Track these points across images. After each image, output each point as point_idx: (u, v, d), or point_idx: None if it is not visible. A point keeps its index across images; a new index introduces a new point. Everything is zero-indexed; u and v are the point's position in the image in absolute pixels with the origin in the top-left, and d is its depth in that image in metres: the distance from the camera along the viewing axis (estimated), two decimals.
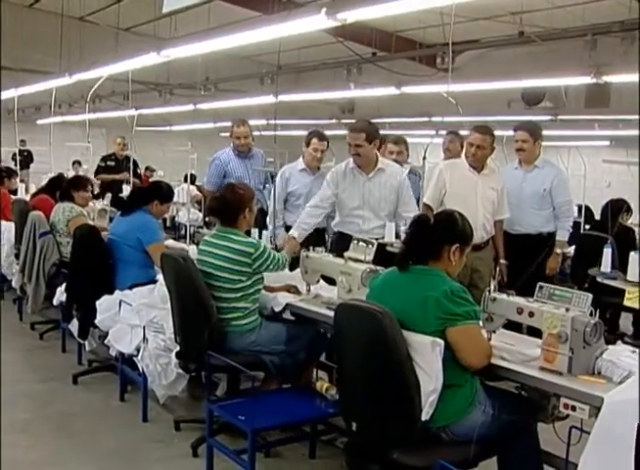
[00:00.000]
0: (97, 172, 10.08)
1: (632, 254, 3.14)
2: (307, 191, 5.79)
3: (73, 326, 5.35)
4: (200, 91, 11.83)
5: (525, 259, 5.51)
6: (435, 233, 2.99)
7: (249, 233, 4.30)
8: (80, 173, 8.65)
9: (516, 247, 5.51)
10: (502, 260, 5.37)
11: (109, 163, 10.15)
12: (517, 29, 7.54)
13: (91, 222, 6.14)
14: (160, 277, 4.55)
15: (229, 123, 6.54)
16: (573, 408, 2.68)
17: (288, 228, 5.53)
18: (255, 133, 15.25)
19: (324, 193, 5.05)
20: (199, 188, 10.26)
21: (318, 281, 4.17)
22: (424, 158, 4.24)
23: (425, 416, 2.74)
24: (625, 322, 6.78)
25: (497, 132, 5.38)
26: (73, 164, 12.92)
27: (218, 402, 3.82)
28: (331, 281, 4.10)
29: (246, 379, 4.22)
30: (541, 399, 3.01)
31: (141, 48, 6.23)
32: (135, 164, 9.74)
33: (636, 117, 8.55)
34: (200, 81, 11.86)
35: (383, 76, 9.27)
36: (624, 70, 5.90)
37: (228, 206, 4.04)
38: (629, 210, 6.93)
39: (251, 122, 13.33)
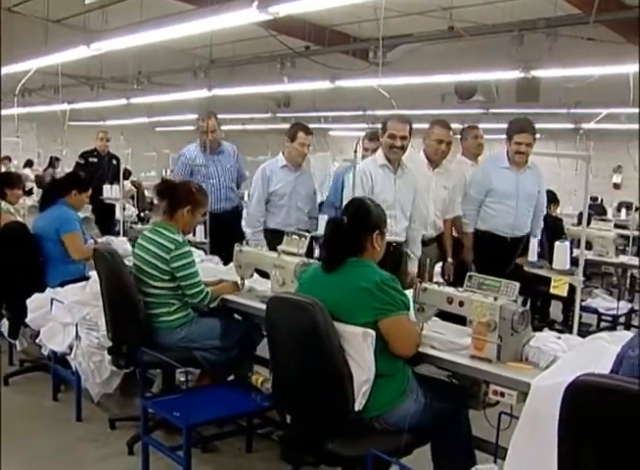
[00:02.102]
0: (76, 171, 8.99)
1: (557, 243, 3.23)
2: (291, 190, 5.47)
3: (3, 326, 5.21)
4: (132, 85, 11.64)
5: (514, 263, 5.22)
6: (354, 227, 2.97)
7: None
8: (12, 170, 8.40)
9: (512, 251, 5.25)
10: (450, 259, 5.32)
11: (90, 159, 9.33)
12: (447, 24, 7.66)
13: (21, 219, 5.99)
14: (92, 273, 4.48)
15: (164, 118, 6.42)
16: (502, 394, 2.75)
17: (269, 232, 5.37)
18: (190, 127, 15.07)
19: (356, 194, 4.31)
20: (133, 183, 10.11)
21: (252, 275, 4.15)
22: (355, 151, 4.26)
23: (358, 407, 2.77)
24: (555, 310, 6.96)
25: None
26: (2, 159, 12.54)
27: (153, 399, 3.78)
28: (265, 275, 4.09)
29: (182, 375, 4.20)
30: (472, 386, 3.08)
31: (71, 41, 6.10)
32: (118, 160, 9.46)
33: (563, 110, 8.83)
34: (132, 75, 11.67)
35: (317, 70, 9.28)
36: (550, 66, 6.06)
37: (174, 193, 4.02)
38: (557, 200, 7.18)
39: (186, 117, 13.20)
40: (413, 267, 4.86)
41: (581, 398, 1.95)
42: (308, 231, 5.13)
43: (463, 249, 5.41)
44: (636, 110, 7.82)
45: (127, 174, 9.94)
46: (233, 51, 12.30)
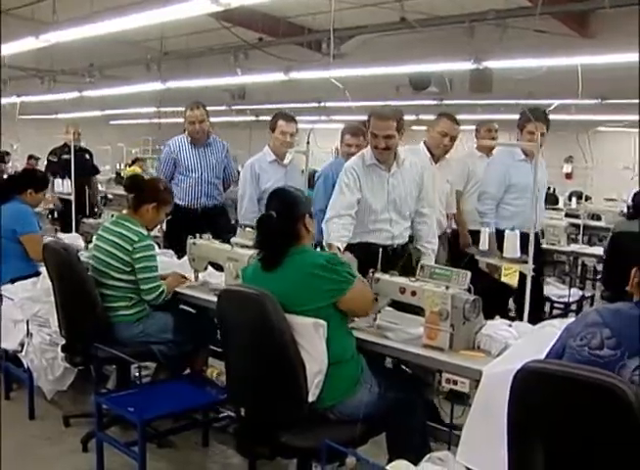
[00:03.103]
0: (48, 169, 8.58)
1: (507, 232, 3.27)
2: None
3: None
4: (84, 78, 11.46)
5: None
6: (285, 219, 2.95)
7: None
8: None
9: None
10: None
11: (63, 156, 8.62)
12: (399, 16, 7.70)
13: None
14: (43, 270, 4.41)
15: (118, 111, 6.28)
16: (455, 382, 2.78)
17: None
18: (145, 121, 14.86)
19: (348, 200, 4.02)
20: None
21: (206, 268, 4.13)
22: (307, 142, 4.24)
23: (311, 397, 2.78)
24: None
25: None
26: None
27: (107, 395, 3.74)
28: (219, 268, 4.07)
29: (138, 370, 4.17)
30: (426, 375, 3.12)
31: (18, 32, 5.98)
32: (91, 155, 9.20)
33: (516, 101, 8.93)
34: (84, 67, 11.49)
35: (271, 62, 9.25)
36: (501, 57, 6.12)
37: (141, 189, 4.02)
38: None
39: (140, 110, 13.03)
40: (430, 262, 4.28)
41: (529, 383, 1.99)
42: None
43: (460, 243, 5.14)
44: (584, 101, 7.98)
45: (95, 170, 9.81)
46: (187, 43, 12.19)
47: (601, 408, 1.87)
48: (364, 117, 4.99)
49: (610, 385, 1.84)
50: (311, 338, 2.75)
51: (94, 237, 4.12)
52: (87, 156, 8.99)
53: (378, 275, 3.11)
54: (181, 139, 5.73)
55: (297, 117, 5.26)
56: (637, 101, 6.78)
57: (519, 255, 3.19)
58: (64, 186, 6.94)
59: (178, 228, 5.02)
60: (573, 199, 9.54)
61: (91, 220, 6.03)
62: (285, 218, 2.94)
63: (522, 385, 2.01)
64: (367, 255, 3.67)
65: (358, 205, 4.03)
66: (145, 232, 3.90)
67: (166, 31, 9.24)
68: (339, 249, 3.68)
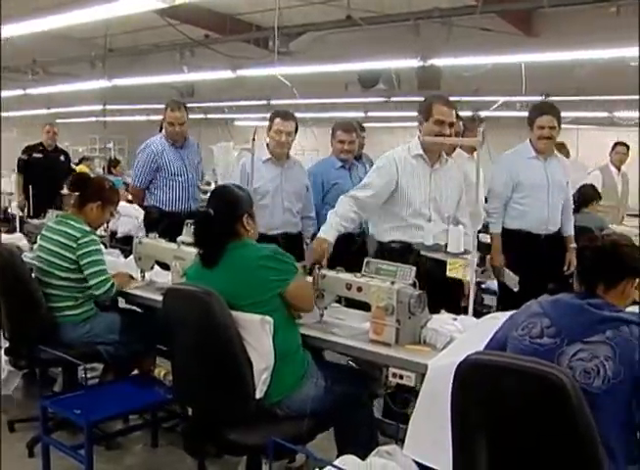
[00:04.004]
0: (19, 168, 8.33)
1: (451, 227, 3.31)
2: (275, 187, 4.77)
3: None
4: (27, 75, 11.22)
5: (551, 263, 4.78)
6: (222, 217, 2.95)
7: None
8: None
9: (545, 250, 4.76)
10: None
11: (35, 155, 8.31)
12: (343, 14, 7.75)
13: None
14: None
15: (64, 109, 6.09)
16: (401, 377, 2.80)
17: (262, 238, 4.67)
18: (92, 119, 14.61)
19: (378, 182, 3.83)
20: None
21: (152, 267, 4.09)
22: (252, 139, 4.23)
23: (259, 394, 2.77)
24: None
25: (337, 114, 5.28)
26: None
27: (53, 398, 3.68)
28: (166, 266, 4.03)
29: (89, 370, 4.11)
30: (373, 370, 3.13)
31: None
32: (68, 156, 8.93)
33: (461, 98, 9.04)
34: (27, 65, 11.25)
35: (219, 59, 9.20)
36: (446, 55, 6.20)
37: (86, 187, 3.97)
38: None
39: (86, 108, 12.79)
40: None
41: (471, 375, 2.02)
42: (300, 234, 4.94)
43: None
44: (528, 98, 8.13)
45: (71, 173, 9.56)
46: (134, 41, 12.04)
47: (539, 396, 1.92)
48: (313, 114, 4.99)
49: (547, 373, 1.89)
50: (258, 334, 2.75)
51: (38, 237, 4.05)
52: (63, 157, 8.67)
53: (324, 271, 3.12)
54: (160, 141, 5.43)
55: (245, 115, 5.23)
56: (577, 98, 6.95)
57: (462, 249, 3.23)
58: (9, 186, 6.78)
59: (168, 235, 4.31)
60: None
61: (35, 221, 5.92)
62: (222, 216, 2.94)
63: (464, 376, 2.04)
64: (397, 253, 3.64)
65: (392, 196, 3.86)
66: (88, 229, 3.84)
67: (112, 28, 9.09)
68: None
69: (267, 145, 4.82)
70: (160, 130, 5.53)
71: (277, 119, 4.74)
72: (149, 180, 5.39)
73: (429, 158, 3.91)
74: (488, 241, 4.92)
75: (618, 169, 7.88)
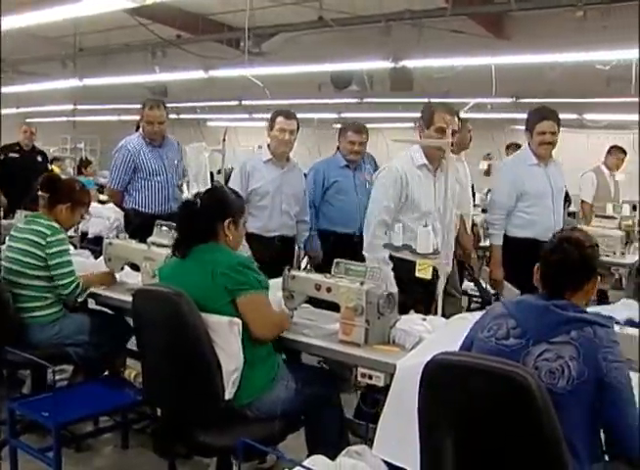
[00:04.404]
0: None
1: (420, 228, 3.34)
2: (276, 188, 4.64)
3: None
4: None
5: None
6: (206, 213, 2.98)
7: None
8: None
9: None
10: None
11: (11, 154, 8.09)
12: (316, 15, 7.77)
13: None
14: None
15: (34, 109, 5.96)
16: (370, 377, 2.82)
17: (247, 237, 4.31)
18: (63, 119, 14.47)
19: (394, 199, 3.77)
20: None
21: (123, 268, 4.07)
22: (223, 140, 4.23)
23: (228, 396, 2.77)
24: None
25: (310, 115, 5.22)
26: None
27: (21, 400, 3.64)
28: (136, 267, 4.01)
29: (59, 372, 4.08)
30: (343, 370, 3.15)
31: None
32: (45, 157, 8.70)
33: (433, 99, 9.09)
34: None
35: (192, 60, 9.17)
36: (417, 56, 6.24)
37: (56, 188, 3.93)
38: None
39: (56, 108, 12.65)
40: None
41: (437, 374, 2.04)
42: (294, 238, 4.87)
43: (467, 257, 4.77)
44: (499, 100, 8.20)
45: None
46: (106, 40, 11.95)
47: (505, 396, 1.95)
48: None
49: (513, 374, 1.92)
50: (226, 336, 2.75)
51: (7, 238, 4.00)
52: (40, 158, 8.49)
53: (293, 272, 3.13)
54: (137, 140, 5.25)
55: (217, 115, 5.20)
56: (547, 100, 6.99)
57: (431, 250, 3.25)
58: None
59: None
60: (489, 195, 9.73)
61: (4, 221, 5.84)
62: (206, 211, 2.97)
63: (430, 376, 2.07)
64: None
65: (403, 206, 3.79)
66: (57, 226, 3.81)
67: (82, 27, 9.03)
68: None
69: (268, 145, 4.73)
70: (137, 130, 5.41)
71: (279, 118, 4.64)
72: (126, 181, 5.23)
73: (432, 166, 3.85)
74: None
75: (610, 171, 7.83)
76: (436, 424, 2.09)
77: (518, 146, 6.95)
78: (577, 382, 2.09)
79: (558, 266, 2.30)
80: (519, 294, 4.19)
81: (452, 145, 3.72)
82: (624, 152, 7.89)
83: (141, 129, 5.27)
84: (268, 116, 4.87)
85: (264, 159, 4.68)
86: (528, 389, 1.90)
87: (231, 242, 3.03)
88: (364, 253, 3.80)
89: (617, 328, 2.46)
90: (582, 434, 2.13)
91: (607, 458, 2.27)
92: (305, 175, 5.17)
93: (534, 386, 1.91)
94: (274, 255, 4.31)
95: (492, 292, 4.79)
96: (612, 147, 7.94)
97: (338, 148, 5.41)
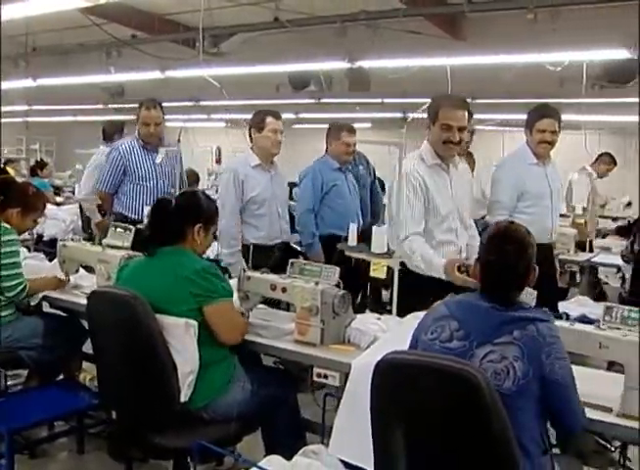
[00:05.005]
0: None
1: (375, 227, 3.36)
2: (270, 194, 4.48)
3: None
4: None
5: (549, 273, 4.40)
6: (178, 214, 3.00)
7: None
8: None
9: (546, 259, 4.30)
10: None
11: None
12: (273, 15, 7.78)
13: None
14: None
15: None
16: (325, 377, 2.84)
17: (248, 248, 4.40)
18: (18, 120, 14.21)
19: (417, 211, 3.47)
20: None
21: (77, 271, 4.03)
22: (178, 140, 4.21)
23: (184, 398, 2.77)
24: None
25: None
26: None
27: None
28: (91, 270, 3.97)
29: (13, 377, 4.02)
30: (300, 371, 3.16)
31: None
32: None
33: (392, 100, 9.17)
34: None
35: (148, 60, 9.09)
36: (373, 57, 6.27)
37: (7, 191, 3.86)
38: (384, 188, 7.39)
39: (10, 108, 12.42)
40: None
41: (388, 373, 2.06)
42: (289, 244, 4.73)
43: None
44: None
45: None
46: (60, 39, 11.78)
47: (454, 395, 1.97)
48: (245, 116, 4.88)
49: (462, 372, 1.94)
50: (182, 338, 2.75)
51: None
52: None
53: (248, 273, 3.13)
54: (131, 143, 5.07)
55: (174, 116, 5.13)
56: (502, 101, 7.11)
57: (386, 250, 3.28)
58: None
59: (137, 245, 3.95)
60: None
61: None
62: (179, 212, 2.99)
63: (381, 375, 2.09)
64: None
65: (427, 214, 3.52)
66: (9, 227, 3.74)
67: (35, 26, 8.89)
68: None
69: (252, 149, 4.53)
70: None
71: (270, 119, 4.45)
72: (116, 184, 5.05)
73: (446, 164, 3.63)
74: None
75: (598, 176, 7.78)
76: (388, 423, 2.11)
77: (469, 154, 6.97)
78: (523, 382, 2.11)
79: (497, 268, 2.30)
80: (535, 294, 4.13)
81: (459, 143, 3.52)
82: (615, 162, 7.76)
83: (136, 132, 5.11)
84: (226, 116, 4.84)
85: (253, 164, 4.48)
86: (478, 387, 1.93)
87: (198, 247, 3.03)
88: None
89: (566, 324, 2.51)
90: (531, 431, 2.16)
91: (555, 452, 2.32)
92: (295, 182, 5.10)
93: (483, 384, 1.94)
94: (277, 263, 4.04)
95: None
96: (604, 154, 7.80)
97: (326, 149, 5.31)
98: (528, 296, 4.17)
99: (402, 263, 3.45)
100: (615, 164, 7.79)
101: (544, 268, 4.00)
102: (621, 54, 5.18)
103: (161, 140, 5.10)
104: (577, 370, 2.82)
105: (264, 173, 4.50)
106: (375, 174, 6.03)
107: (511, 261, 2.27)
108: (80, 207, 7.61)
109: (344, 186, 5.02)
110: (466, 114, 3.53)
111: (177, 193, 5.03)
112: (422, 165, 3.54)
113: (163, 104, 5.24)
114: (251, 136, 4.52)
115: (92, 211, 6.22)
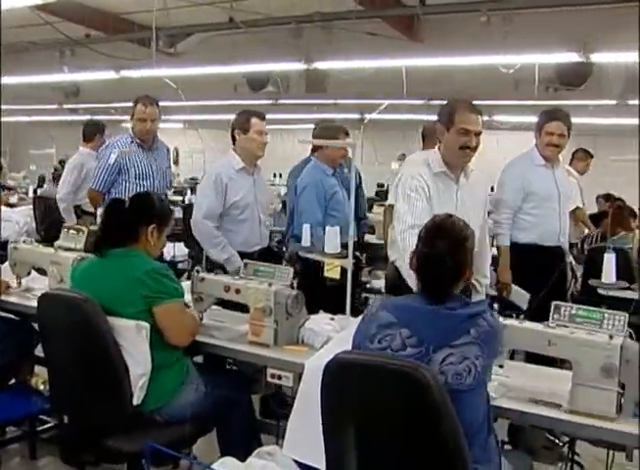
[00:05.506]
0: None
1: (328, 227, 3.37)
2: (253, 199, 4.28)
3: None
4: None
5: (558, 277, 4.37)
6: (132, 214, 2.99)
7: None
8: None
9: (555, 262, 4.39)
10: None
11: None
12: (229, 15, 7.77)
13: None
14: None
15: None
16: (279, 377, 2.85)
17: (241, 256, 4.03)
18: None
19: (423, 206, 3.30)
20: None
21: (29, 273, 3.97)
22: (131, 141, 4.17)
23: (136, 401, 2.75)
24: None
25: (226, 116, 5.00)
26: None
27: None
28: (43, 272, 3.92)
29: None
30: (254, 372, 3.16)
31: None
32: None
33: (348, 101, 9.22)
34: None
35: (103, 59, 9.00)
36: (328, 58, 6.31)
37: None
38: None
39: None
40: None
41: (337, 374, 2.08)
42: (269, 247, 4.52)
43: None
44: (412, 101, 8.36)
45: None
46: (16, 37, 11.58)
47: (404, 393, 1.99)
48: (203, 117, 4.80)
49: (410, 369, 1.96)
50: (134, 340, 2.73)
51: None
52: None
53: (202, 274, 3.13)
54: (126, 140, 4.88)
55: (127, 117, 5.04)
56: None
57: (339, 250, 3.29)
58: None
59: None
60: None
61: None
62: (133, 212, 2.98)
63: (331, 376, 2.10)
64: None
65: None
66: None
67: None
68: None
69: (234, 151, 4.31)
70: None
71: (255, 120, 4.25)
72: (110, 183, 4.84)
73: (455, 172, 3.46)
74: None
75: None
76: (339, 423, 2.12)
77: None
78: (481, 372, 2.15)
79: (428, 261, 2.29)
80: (528, 297, 4.10)
81: (476, 149, 3.38)
82: (591, 155, 7.61)
83: (131, 129, 4.94)
84: (184, 117, 4.80)
85: (237, 167, 4.25)
86: (427, 387, 1.94)
87: (151, 249, 3.01)
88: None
89: (516, 322, 2.55)
90: (481, 423, 2.19)
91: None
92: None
93: (433, 384, 1.96)
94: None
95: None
96: (577, 150, 7.61)
97: (312, 152, 5.07)
98: (520, 297, 4.28)
99: (395, 276, 3.38)
100: (591, 156, 7.76)
101: (551, 272, 4.07)
102: (571, 57, 5.29)
103: (154, 140, 4.96)
104: (527, 368, 2.91)
105: (248, 177, 4.31)
106: (360, 179, 5.88)
107: (440, 255, 2.27)
108: (34, 208, 7.50)
109: (341, 192, 4.76)
110: (480, 118, 3.40)
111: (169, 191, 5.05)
112: (427, 171, 3.40)
113: (119, 104, 5.21)
114: (234, 138, 4.33)
115: (68, 212, 6.14)
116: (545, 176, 4.41)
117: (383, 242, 6.78)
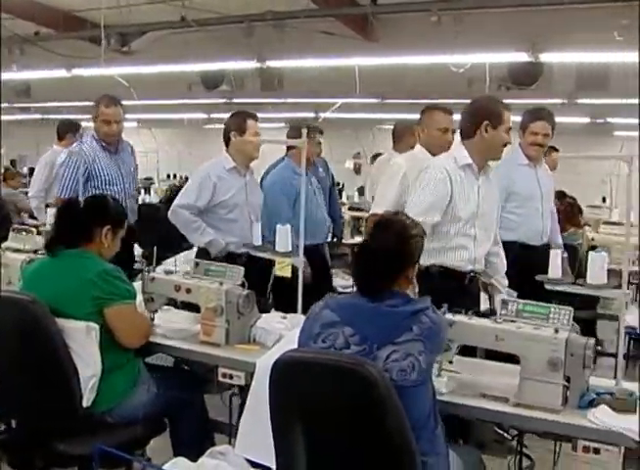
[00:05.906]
0: None
1: (278, 226, 3.37)
2: (244, 199, 4.24)
3: None
4: None
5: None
6: (85, 215, 2.97)
7: None
8: None
9: (540, 261, 4.10)
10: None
11: None
12: (181, 14, 7.72)
13: None
14: None
15: None
16: (231, 377, 2.85)
17: (228, 258, 3.96)
18: None
19: (437, 202, 3.34)
20: None
21: None
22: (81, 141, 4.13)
23: (86, 403, 2.72)
24: None
25: (180, 115, 5.01)
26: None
27: None
28: None
29: None
30: (205, 371, 3.15)
31: None
32: None
33: (302, 100, 9.24)
34: None
35: (54, 58, 8.86)
36: (281, 57, 6.32)
37: None
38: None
39: None
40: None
41: (284, 372, 2.09)
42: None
43: None
44: (366, 100, 8.41)
45: None
46: None
47: (350, 390, 2.01)
48: (157, 115, 4.73)
49: (355, 366, 1.98)
50: (83, 342, 2.70)
51: None
52: None
53: (153, 274, 3.11)
54: (91, 143, 4.61)
55: (85, 116, 4.96)
56: (410, 101, 7.25)
57: (290, 249, 3.30)
58: None
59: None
60: (355, 193, 9.81)
61: None
62: (88, 213, 2.97)
63: (279, 373, 2.11)
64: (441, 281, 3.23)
65: (444, 213, 3.35)
66: None
67: None
68: None
69: (227, 152, 4.28)
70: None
71: (251, 121, 4.23)
72: (77, 191, 4.46)
73: (479, 167, 3.47)
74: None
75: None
76: (287, 421, 2.13)
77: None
78: (425, 368, 2.16)
79: (366, 252, 2.30)
80: (515, 295, 3.89)
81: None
82: (556, 149, 7.93)
83: (94, 131, 4.72)
84: (138, 116, 4.73)
85: (227, 167, 4.23)
86: (374, 383, 1.96)
87: (105, 250, 2.99)
88: None
89: (465, 318, 2.59)
90: (427, 416, 2.22)
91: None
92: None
93: (379, 380, 1.97)
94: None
95: None
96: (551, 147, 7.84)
97: (287, 152, 5.02)
98: (509, 297, 4.20)
99: None
100: (556, 150, 7.85)
101: (536, 272, 3.85)
102: (521, 57, 5.37)
103: (120, 141, 4.78)
104: (475, 363, 2.95)
105: (239, 178, 4.27)
106: (334, 179, 5.87)
107: (376, 249, 2.27)
108: None
109: (311, 191, 4.72)
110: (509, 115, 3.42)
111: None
112: (451, 163, 3.41)
113: (71, 103, 5.12)
114: (228, 139, 4.28)
115: (40, 211, 6.05)
116: (528, 176, 4.43)
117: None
